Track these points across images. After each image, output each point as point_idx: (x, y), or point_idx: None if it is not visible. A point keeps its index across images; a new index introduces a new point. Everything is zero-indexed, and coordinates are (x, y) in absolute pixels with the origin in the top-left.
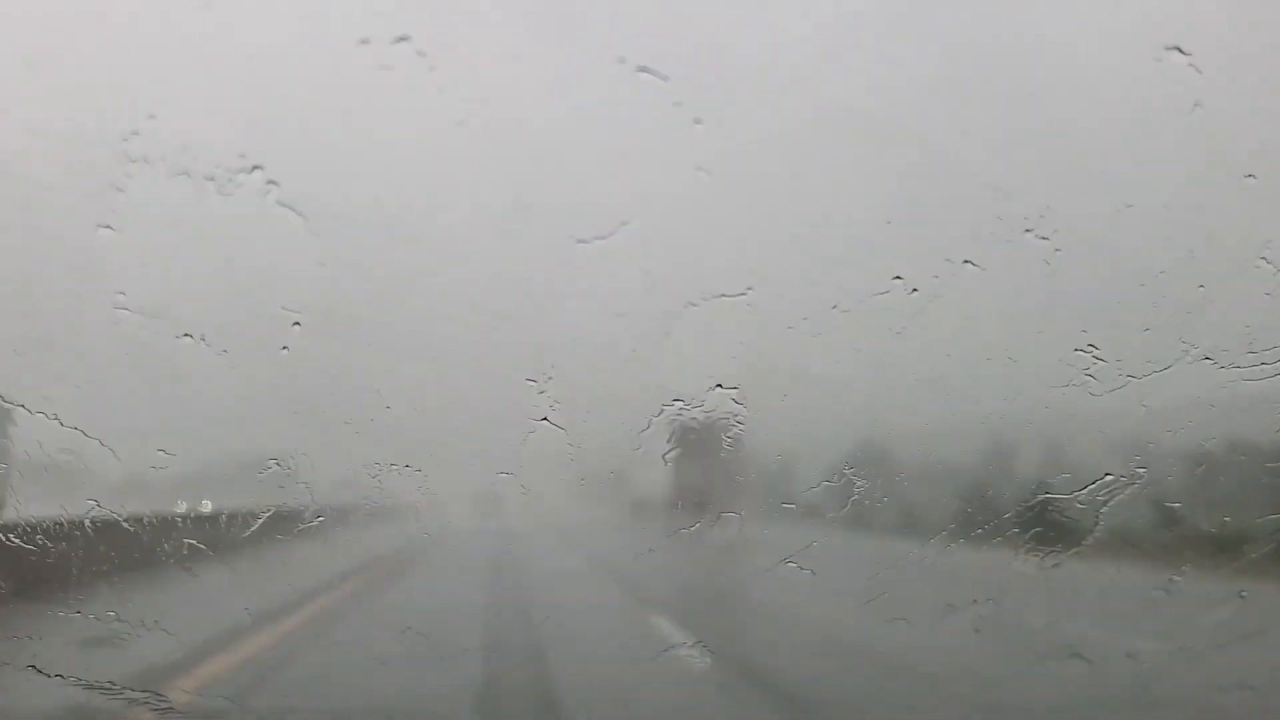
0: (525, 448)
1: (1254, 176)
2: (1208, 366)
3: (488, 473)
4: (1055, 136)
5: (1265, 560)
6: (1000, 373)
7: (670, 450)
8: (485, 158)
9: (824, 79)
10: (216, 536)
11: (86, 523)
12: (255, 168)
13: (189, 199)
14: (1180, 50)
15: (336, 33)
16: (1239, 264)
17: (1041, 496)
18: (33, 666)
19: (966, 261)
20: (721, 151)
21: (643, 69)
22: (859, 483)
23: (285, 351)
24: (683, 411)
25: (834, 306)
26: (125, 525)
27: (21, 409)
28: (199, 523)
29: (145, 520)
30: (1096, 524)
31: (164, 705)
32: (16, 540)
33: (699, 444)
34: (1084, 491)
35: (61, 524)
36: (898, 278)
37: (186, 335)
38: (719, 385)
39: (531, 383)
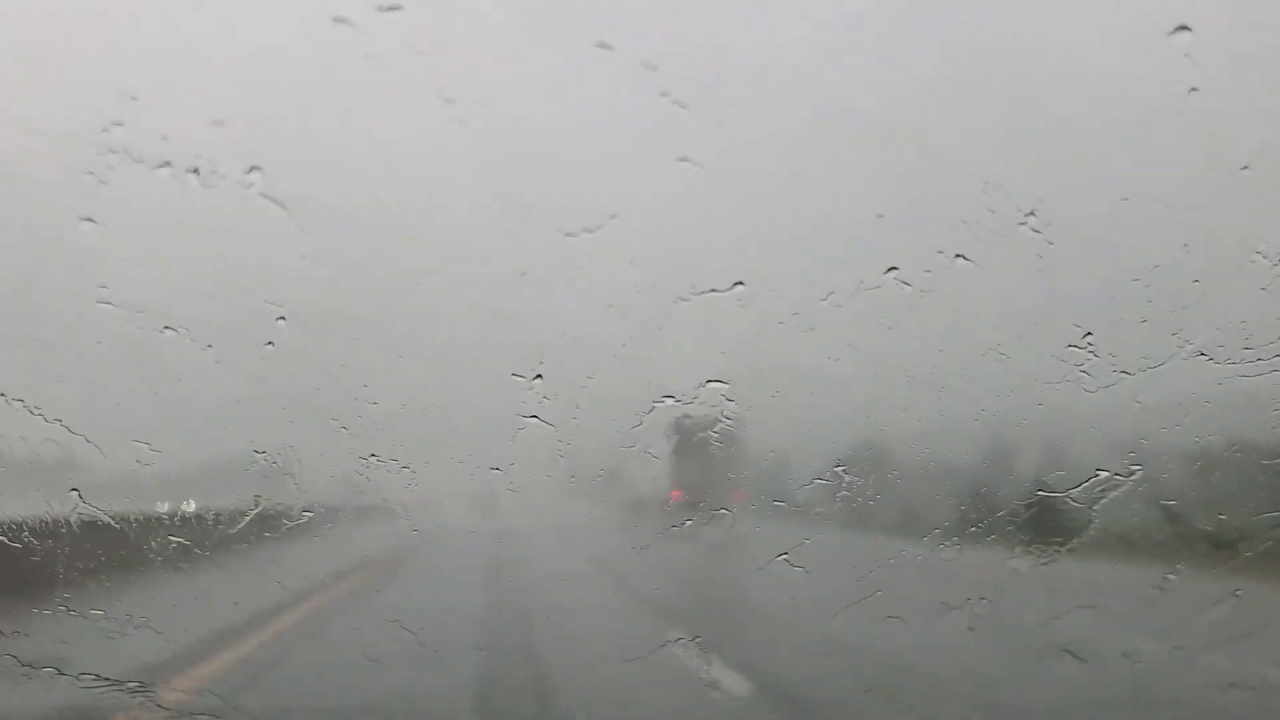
0: (514, 445)
1: (1249, 169)
2: (1203, 363)
3: (476, 470)
4: (1050, 133)
5: (1261, 558)
6: (994, 369)
7: (662, 447)
8: (476, 153)
9: (816, 76)
10: (203, 534)
11: (72, 519)
12: (245, 164)
13: (172, 192)
14: (1175, 46)
15: (323, 25)
16: (1235, 259)
17: (1036, 494)
18: (12, 656)
19: (959, 256)
20: (713, 146)
21: (632, 62)
22: (851, 479)
23: (270, 347)
24: (674, 408)
25: (825, 301)
26: (110, 522)
27: (1, 399)
28: (185, 520)
29: (130, 518)
30: (1091, 522)
31: (156, 703)
32: (1, 538)
33: (691, 441)
34: (1079, 489)
35: (46, 521)
36: (893, 268)
37: (169, 329)
38: (711, 381)
39: (520, 379)
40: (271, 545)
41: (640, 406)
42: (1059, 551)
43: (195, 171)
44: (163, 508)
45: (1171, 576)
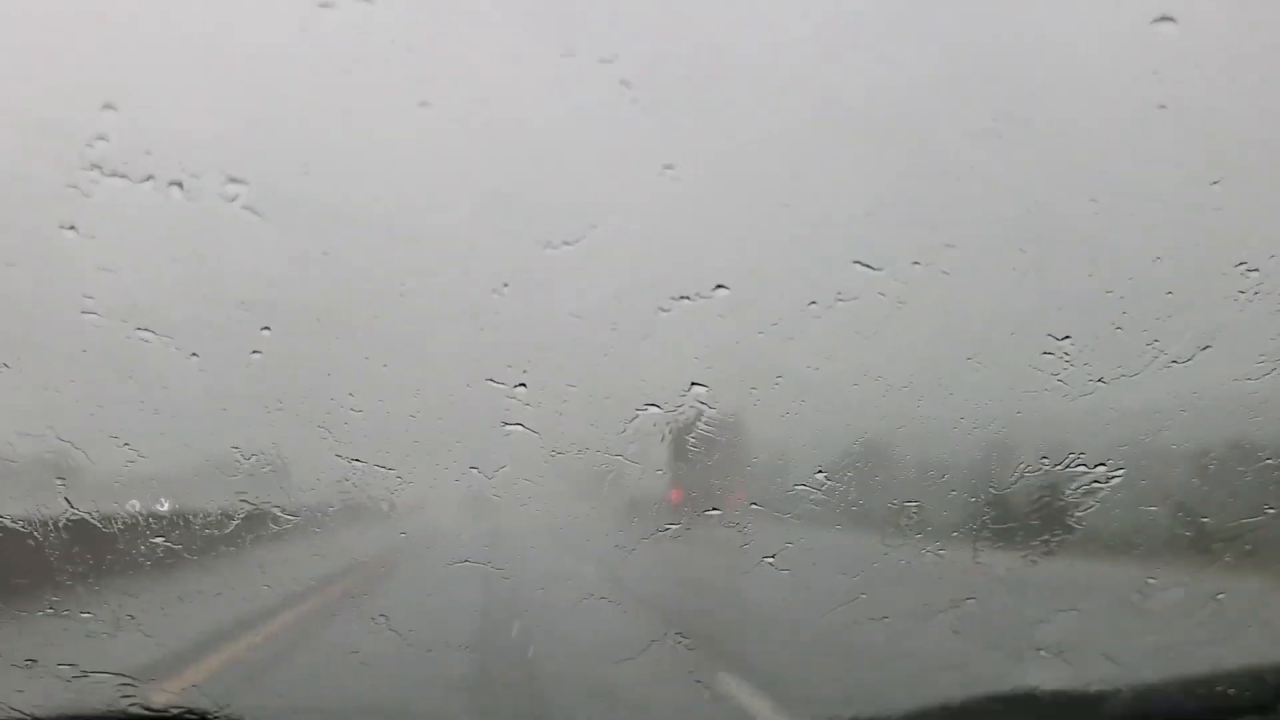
0: (498, 451)
1: (1218, 183)
2: (1178, 369)
3: (460, 475)
4: (1042, 136)
5: (1241, 560)
6: (974, 376)
7: (646, 453)
8: (461, 159)
9: (801, 81)
10: (190, 536)
11: (59, 522)
12: (228, 173)
13: (155, 200)
14: (1154, 49)
15: (308, 25)
16: (1211, 268)
17: (1018, 498)
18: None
19: (946, 252)
20: (697, 154)
21: (618, 69)
22: (835, 484)
23: (257, 355)
24: (658, 415)
25: (808, 307)
26: (98, 525)
27: None
28: (172, 523)
29: (117, 520)
30: (1072, 525)
31: (144, 704)
32: None
33: (676, 446)
34: (1060, 492)
35: (32, 524)
36: (874, 268)
37: (153, 335)
38: (694, 385)
39: (501, 385)
40: (259, 548)
41: (624, 414)
42: (1041, 554)
43: (179, 184)
44: (149, 510)
45: (1152, 580)
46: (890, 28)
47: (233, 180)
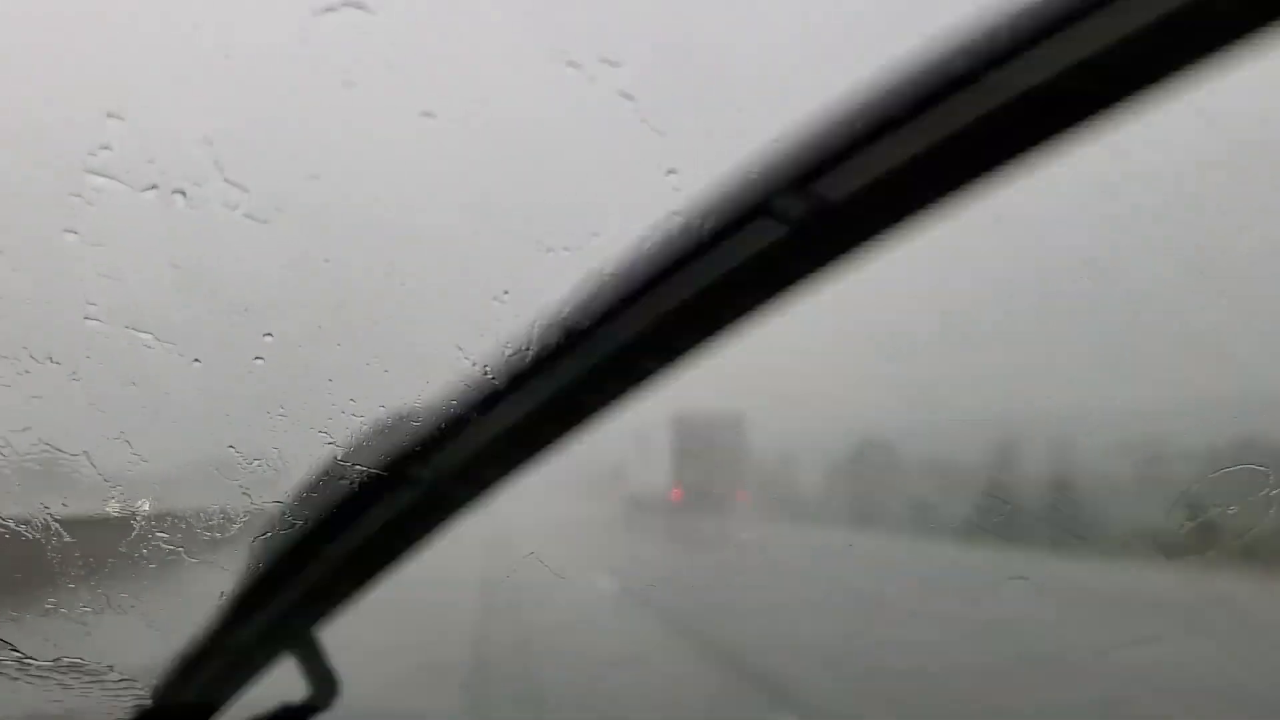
0: None
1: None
2: (1205, 367)
3: None
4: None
5: (1249, 558)
6: (992, 375)
7: (654, 454)
8: (465, 161)
9: (799, 81)
10: (192, 537)
11: (60, 523)
12: (229, 180)
13: (159, 207)
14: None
15: (306, 29)
16: (1222, 268)
17: (1028, 495)
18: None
19: (946, 251)
20: (699, 157)
21: (617, 74)
22: (849, 483)
23: (259, 361)
24: (658, 416)
25: (809, 307)
26: (98, 525)
27: None
28: (174, 524)
29: (117, 520)
30: (1076, 527)
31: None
32: None
33: (682, 447)
34: (1073, 491)
35: (32, 524)
36: (874, 268)
37: (155, 341)
38: (694, 385)
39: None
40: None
41: (624, 415)
42: (1041, 555)
43: (181, 193)
44: (151, 511)
45: (1151, 579)
46: (890, 28)
47: (235, 187)
